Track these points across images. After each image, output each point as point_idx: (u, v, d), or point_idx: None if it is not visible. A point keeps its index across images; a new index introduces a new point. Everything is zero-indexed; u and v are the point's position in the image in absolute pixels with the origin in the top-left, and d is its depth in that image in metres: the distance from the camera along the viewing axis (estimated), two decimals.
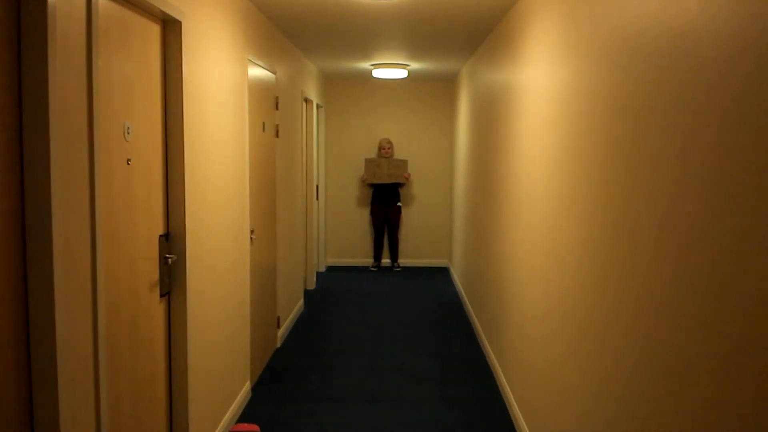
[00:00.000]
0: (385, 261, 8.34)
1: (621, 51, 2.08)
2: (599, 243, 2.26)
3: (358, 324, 5.62)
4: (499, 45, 4.56)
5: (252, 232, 4.02)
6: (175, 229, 2.77)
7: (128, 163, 2.37)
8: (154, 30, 2.62)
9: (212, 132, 3.20)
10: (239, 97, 3.72)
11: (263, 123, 4.34)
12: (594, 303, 2.31)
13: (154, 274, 2.63)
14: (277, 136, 4.79)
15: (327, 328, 5.49)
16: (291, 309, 5.55)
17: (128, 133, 2.36)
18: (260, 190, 4.30)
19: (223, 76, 3.38)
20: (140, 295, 2.50)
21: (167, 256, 2.70)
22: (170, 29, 2.72)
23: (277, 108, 4.76)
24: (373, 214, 8.07)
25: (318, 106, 7.62)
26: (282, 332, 5.06)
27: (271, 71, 4.57)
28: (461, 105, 7.01)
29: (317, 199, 7.79)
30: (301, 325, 5.59)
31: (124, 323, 2.35)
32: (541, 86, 3.19)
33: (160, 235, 2.68)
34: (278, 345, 4.91)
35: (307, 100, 6.75)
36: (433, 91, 8.20)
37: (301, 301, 6.08)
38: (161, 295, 2.70)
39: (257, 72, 4.19)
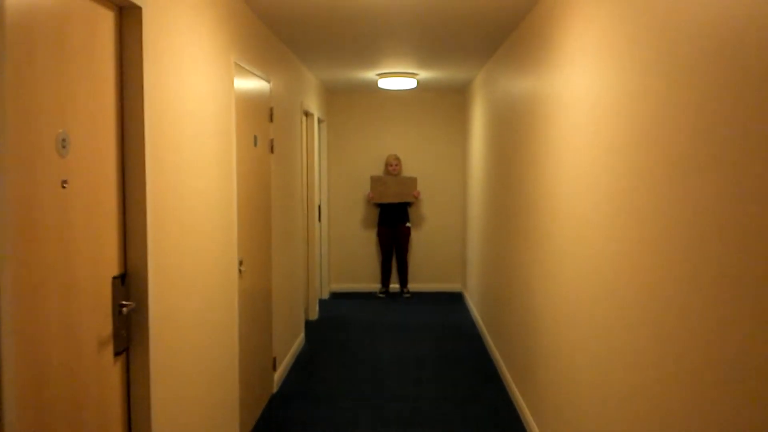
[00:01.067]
0: (394, 286, 7.75)
1: (710, 40, 1.50)
2: (679, 279, 1.67)
3: (366, 363, 5.02)
4: (522, 47, 4.00)
5: (241, 263, 3.45)
6: (134, 269, 2.19)
7: (63, 186, 1.80)
8: (106, 18, 2.07)
9: (187, 146, 2.63)
10: (224, 105, 3.16)
11: (255, 137, 3.78)
12: (676, 355, 1.71)
13: (106, 327, 2.05)
14: (272, 151, 4.23)
15: (330, 368, 4.89)
16: (290, 346, 4.95)
17: (63, 147, 1.79)
18: (252, 213, 3.73)
19: (201, 80, 2.82)
20: (85, 357, 1.92)
21: (123, 303, 2.12)
22: (127, 18, 2.16)
23: (271, 120, 4.21)
24: (380, 235, 7.49)
25: (319, 121, 7.08)
26: (279, 375, 4.46)
27: (264, 79, 4.02)
28: (475, 117, 6.45)
29: (319, 220, 7.22)
30: (301, 364, 4.99)
31: (59, 398, 1.76)
32: (587, 93, 2.62)
33: (114, 277, 2.10)
34: (275, 390, 4.30)
35: (307, 114, 6.20)
36: (444, 103, 7.65)
37: (302, 336, 5.48)
38: (116, 354, 2.12)
39: (247, 78, 3.63)
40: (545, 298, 3.36)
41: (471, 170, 6.81)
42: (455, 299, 7.41)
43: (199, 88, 2.79)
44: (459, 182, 7.70)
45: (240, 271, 3.42)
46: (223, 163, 3.15)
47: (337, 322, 6.28)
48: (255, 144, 3.78)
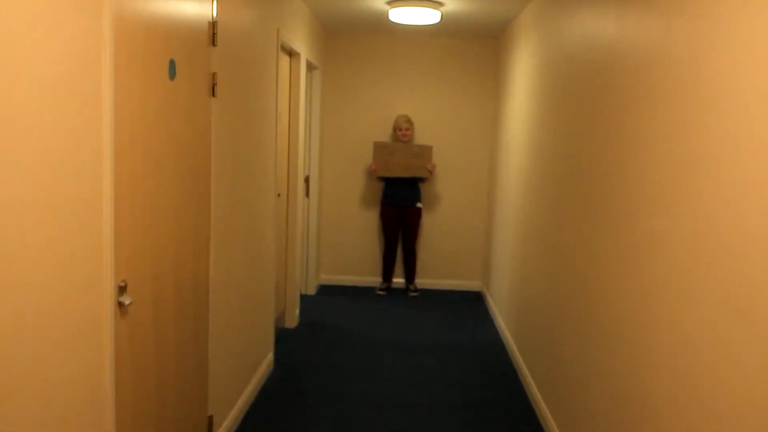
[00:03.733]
0: (398, 280, 6.21)
1: None
2: None
3: (357, 403, 3.51)
4: None
5: (123, 288, 1.90)
6: None
7: None
8: None
9: None
10: None
11: (171, 61, 2.19)
12: None
13: None
14: (214, 93, 2.64)
15: (306, 411, 3.39)
16: (245, 382, 3.44)
17: None
18: (164, 189, 2.18)
19: None
20: None
21: None
22: None
23: (213, 43, 2.62)
24: (383, 217, 5.93)
25: (311, 67, 5.46)
26: None
27: None
28: (517, 71, 4.83)
29: (307, 195, 5.65)
30: (261, 407, 3.48)
31: None
32: None
33: None
34: None
35: (291, 53, 4.59)
36: (472, 52, 6.00)
37: (270, 357, 3.96)
38: None
39: None
40: (641, 322, 1.82)
41: (505, 141, 5.21)
42: (474, 301, 5.88)
43: None
44: (485, 155, 6.10)
45: (122, 304, 1.87)
46: (70, 100, 1.58)
47: (321, 334, 4.77)
48: (172, 75, 2.19)
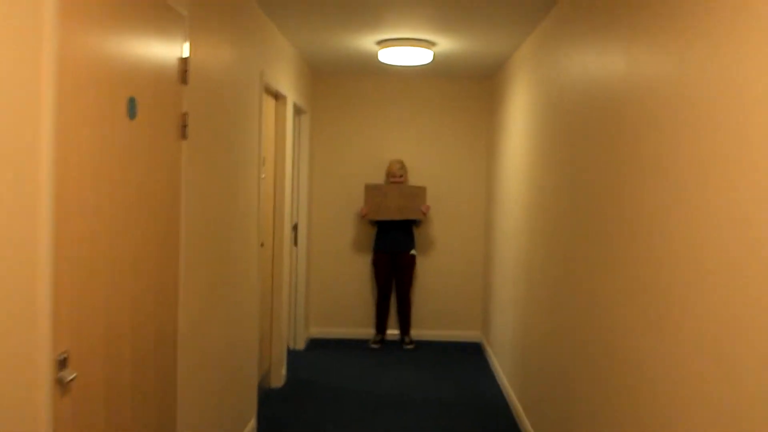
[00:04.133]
0: (392, 332, 5.89)
1: None
2: None
3: None
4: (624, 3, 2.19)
5: (64, 362, 1.60)
6: None
7: None
8: None
9: None
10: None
11: (130, 100, 1.95)
12: None
13: None
14: (185, 135, 2.40)
15: None
16: None
17: None
18: (119, 241, 1.91)
19: None
20: None
21: None
22: None
23: (184, 81, 2.39)
24: (376, 264, 5.65)
25: (299, 111, 5.27)
26: None
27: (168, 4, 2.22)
28: (514, 110, 4.64)
29: (295, 244, 5.39)
30: None
31: None
32: None
33: None
34: None
35: (277, 96, 4.39)
36: (465, 92, 5.84)
37: (252, 424, 3.62)
38: None
39: None
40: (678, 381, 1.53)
41: (501, 183, 4.99)
42: (473, 353, 5.55)
43: None
44: (481, 197, 5.87)
45: (62, 381, 1.58)
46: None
47: (310, 394, 4.43)
48: (131, 115, 1.95)
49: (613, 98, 2.41)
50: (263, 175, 4.09)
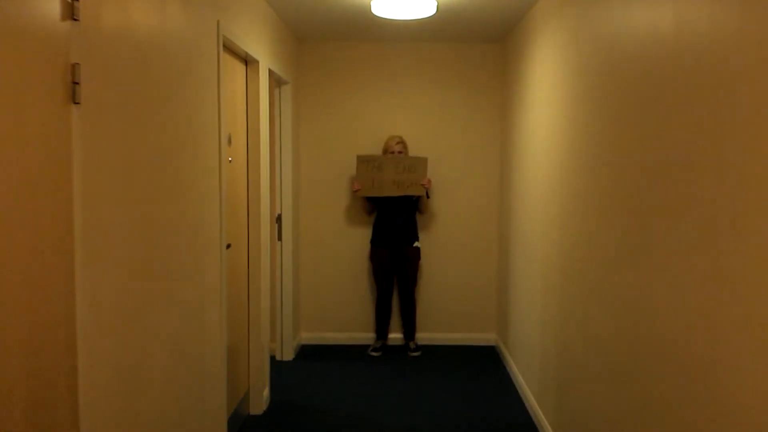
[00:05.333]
0: (395, 335, 5.13)
1: None
2: None
3: None
4: None
5: None
6: None
7: None
8: None
9: None
10: None
11: None
12: None
13: None
14: (76, 99, 1.61)
15: None
16: None
17: None
18: None
19: None
20: None
21: None
22: None
23: (73, 17, 1.59)
24: (374, 260, 4.88)
25: (280, 81, 4.47)
26: None
27: None
28: (535, 78, 3.84)
29: (279, 238, 4.62)
30: None
31: None
32: None
33: None
34: None
35: (248, 60, 3.59)
36: (472, 59, 5.01)
37: None
38: None
39: None
40: None
41: (521, 162, 4.20)
42: (488, 359, 4.80)
43: None
44: (494, 177, 5.07)
45: None
46: None
47: (297, 421, 3.67)
48: None
49: (688, 51, 1.61)
50: (230, 158, 3.30)
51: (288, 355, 4.72)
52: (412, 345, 4.92)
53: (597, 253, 2.59)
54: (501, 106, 4.98)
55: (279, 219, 4.62)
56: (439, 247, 5.10)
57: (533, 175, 3.80)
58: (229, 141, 3.30)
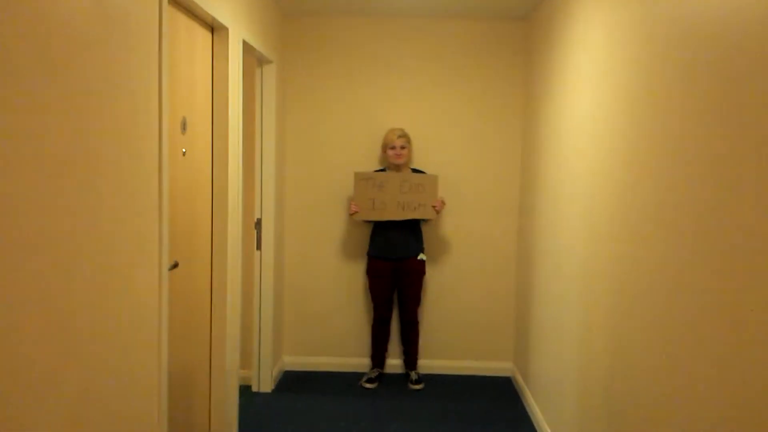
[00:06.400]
0: (394, 362, 4.39)
1: None
2: None
3: None
4: None
5: None
6: None
7: None
8: None
9: None
10: None
11: None
12: None
13: None
14: None
15: None
16: None
17: None
18: None
19: None
20: None
21: None
22: None
23: None
24: (371, 274, 4.14)
25: (261, 60, 3.75)
26: None
27: None
28: (574, 61, 3.09)
29: (258, 247, 3.90)
30: None
31: None
32: None
33: None
34: None
35: (214, 25, 2.86)
36: (489, 39, 4.27)
37: None
38: None
39: None
40: None
41: (552, 164, 3.46)
42: (502, 391, 4.06)
43: None
44: (512, 181, 4.33)
45: None
46: None
47: None
48: None
49: None
50: (183, 150, 2.58)
51: (266, 385, 3.99)
52: (413, 376, 4.17)
53: (686, 283, 1.85)
54: (524, 96, 4.23)
55: (258, 224, 3.89)
56: (446, 261, 4.36)
57: (571, 182, 3.06)
58: (183, 127, 2.57)
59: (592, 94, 2.74)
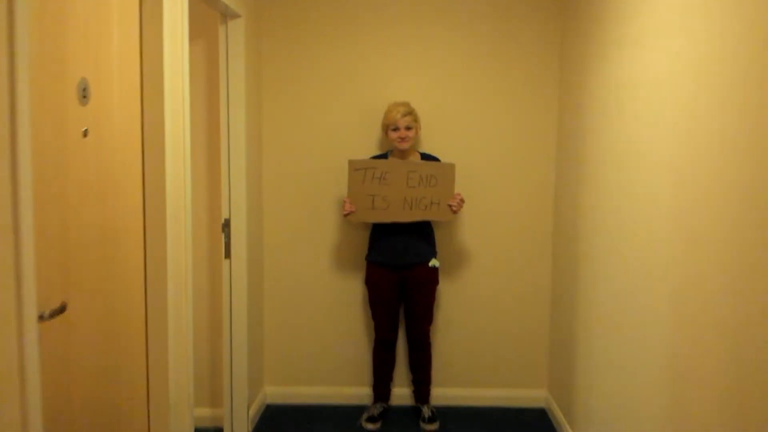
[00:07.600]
0: (400, 390, 3.57)
1: None
2: None
3: None
4: None
5: None
6: None
7: None
8: None
9: None
10: None
11: None
12: None
13: None
14: None
15: None
16: None
17: None
18: None
19: None
20: None
21: None
22: None
23: None
24: (371, 285, 3.31)
25: (227, 13, 2.92)
26: None
27: None
28: (640, 28, 2.24)
29: (227, 255, 3.08)
30: None
31: None
32: None
33: None
34: None
35: None
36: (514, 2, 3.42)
37: None
38: None
39: None
40: None
41: (611, 146, 2.61)
42: (534, 427, 3.25)
43: None
44: (547, 174, 3.47)
45: None
46: None
47: None
48: None
49: None
50: (84, 129, 1.75)
51: (242, 427, 3.18)
52: (425, 412, 3.35)
53: None
54: (560, 67, 3.37)
55: (226, 227, 3.06)
56: (464, 267, 3.52)
57: (638, 169, 2.21)
58: (84, 94, 1.74)
59: (669, 65, 1.89)
